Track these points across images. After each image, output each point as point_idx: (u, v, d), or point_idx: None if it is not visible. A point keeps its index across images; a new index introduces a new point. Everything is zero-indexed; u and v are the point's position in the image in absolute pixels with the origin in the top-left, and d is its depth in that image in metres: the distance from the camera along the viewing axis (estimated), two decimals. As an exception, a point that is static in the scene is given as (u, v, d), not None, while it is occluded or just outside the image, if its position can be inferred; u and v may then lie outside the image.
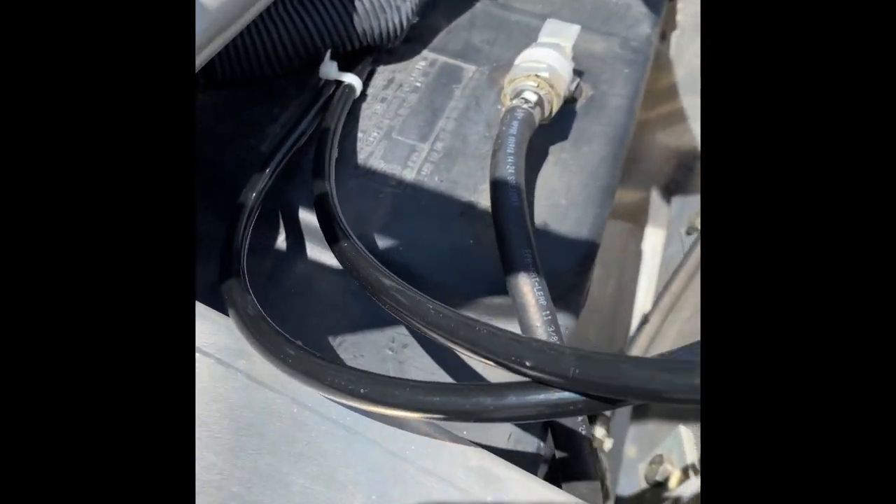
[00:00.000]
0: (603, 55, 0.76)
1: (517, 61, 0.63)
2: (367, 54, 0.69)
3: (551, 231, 0.60)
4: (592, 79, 0.73)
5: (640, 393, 0.26)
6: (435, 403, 0.30)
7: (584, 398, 0.28)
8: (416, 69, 0.71)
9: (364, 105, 0.67)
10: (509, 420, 0.31)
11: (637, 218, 1.25)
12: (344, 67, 0.67)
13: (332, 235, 0.47)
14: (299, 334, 0.40)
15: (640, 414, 0.97)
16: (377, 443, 0.37)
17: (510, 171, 0.55)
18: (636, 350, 0.98)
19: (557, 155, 0.66)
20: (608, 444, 0.90)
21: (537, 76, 0.61)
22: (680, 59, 1.07)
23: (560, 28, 0.67)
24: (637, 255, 1.24)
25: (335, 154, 0.58)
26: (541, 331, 0.51)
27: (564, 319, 0.57)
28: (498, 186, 0.55)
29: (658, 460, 0.80)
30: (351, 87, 0.64)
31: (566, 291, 0.58)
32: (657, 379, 0.26)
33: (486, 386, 0.32)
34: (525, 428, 0.51)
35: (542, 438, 0.51)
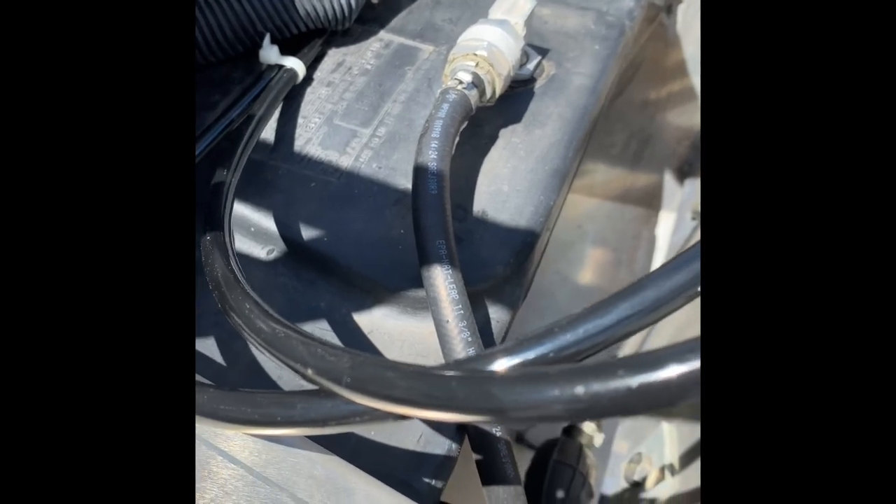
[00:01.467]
0: (574, 31, 0.72)
1: (459, 39, 0.60)
2: (316, 37, 0.67)
3: (489, 220, 0.57)
4: (558, 57, 0.69)
5: (409, 404, 0.24)
6: (223, 412, 0.28)
7: (366, 409, 0.26)
8: (370, 51, 0.68)
9: (309, 90, 0.65)
10: (302, 432, 0.29)
11: (651, 202, 1.19)
12: (292, 51, 0.65)
13: (211, 225, 0.46)
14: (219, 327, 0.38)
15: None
16: (213, 445, 0.35)
17: (432, 156, 0.52)
18: (631, 344, 0.93)
19: (508, 139, 0.62)
20: (599, 440, 0.86)
21: (475, 55, 0.58)
22: (687, 34, 1.01)
23: (513, 3, 0.63)
24: (651, 241, 1.18)
25: (253, 142, 0.56)
26: (451, 325, 0.48)
27: (498, 314, 0.54)
28: (418, 173, 0.52)
29: (637, 459, 0.76)
30: (292, 72, 0.62)
31: (501, 284, 0.55)
32: (416, 389, 0.23)
33: (280, 395, 0.29)
34: (437, 429, 0.49)
35: (456, 440, 0.49)
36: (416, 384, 0.23)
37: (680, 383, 0.21)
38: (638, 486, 0.75)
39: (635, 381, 0.22)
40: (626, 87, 1.02)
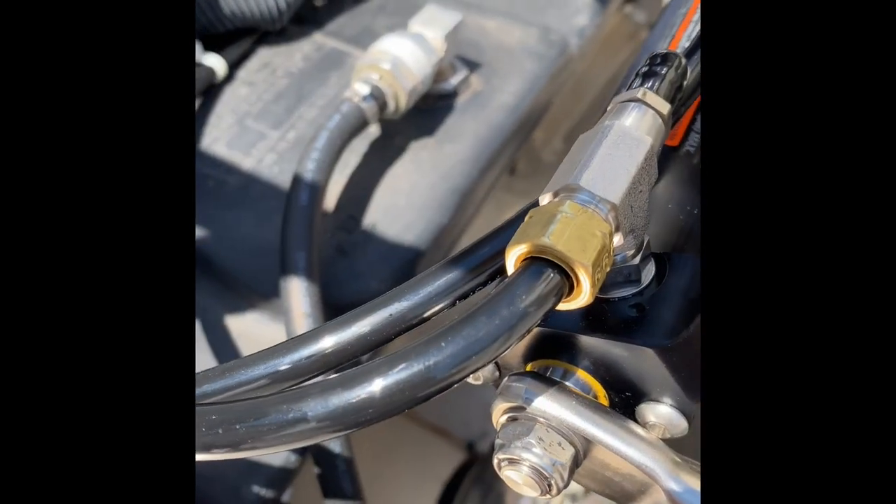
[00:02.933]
0: (513, 47, 0.70)
1: (368, 49, 0.60)
2: (246, 36, 0.67)
3: (377, 234, 0.57)
4: (488, 72, 0.68)
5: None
6: None
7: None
8: (300, 53, 0.68)
9: (229, 88, 0.65)
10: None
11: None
12: (220, 49, 0.65)
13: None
14: None
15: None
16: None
17: (310, 167, 0.52)
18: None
19: (416, 152, 0.62)
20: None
21: (379, 68, 0.57)
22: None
23: (436, 16, 0.63)
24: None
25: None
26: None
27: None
28: (293, 183, 0.52)
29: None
30: (209, 70, 0.63)
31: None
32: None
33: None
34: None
35: (297, 451, 0.49)
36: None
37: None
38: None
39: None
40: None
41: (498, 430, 0.27)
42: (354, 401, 0.22)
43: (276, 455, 0.48)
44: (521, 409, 0.26)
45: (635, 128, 0.25)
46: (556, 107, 0.72)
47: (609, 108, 0.27)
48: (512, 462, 0.26)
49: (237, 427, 0.22)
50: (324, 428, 0.22)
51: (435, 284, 0.27)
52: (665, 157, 0.32)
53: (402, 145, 0.62)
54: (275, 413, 0.22)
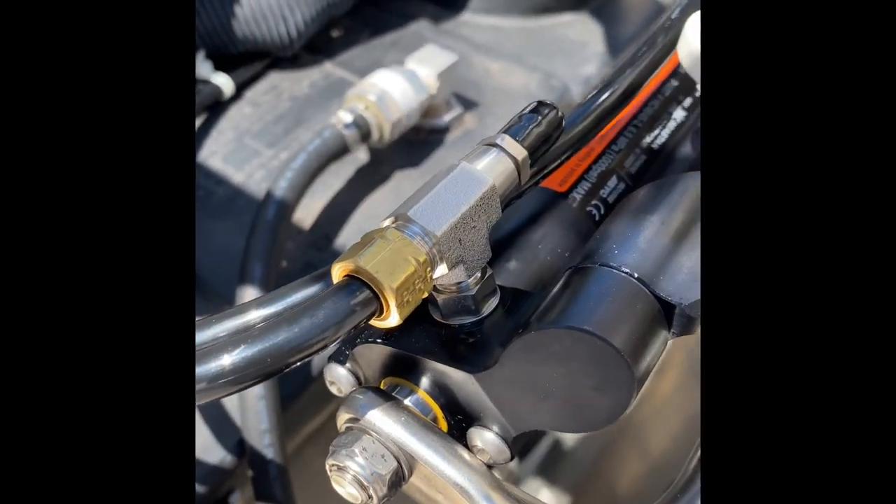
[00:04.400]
0: (512, 90, 0.73)
1: (360, 81, 0.63)
2: (257, 59, 0.71)
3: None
4: (483, 112, 0.70)
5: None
6: None
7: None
8: (307, 80, 0.72)
9: (235, 106, 0.69)
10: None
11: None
12: (231, 69, 0.70)
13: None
14: None
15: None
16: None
17: (282, 185, 0.55)
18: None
19: (399, 182, 0.64)
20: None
21: (366, 99, 0.60)
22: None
23: (433, 55, 0.65)
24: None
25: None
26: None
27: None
28: (265, 198, 0.55)
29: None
30: (216, 88, 0.67)
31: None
32: None
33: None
34: (217, 438, 0.51)
35: (234, 453, 0.51)
36: None
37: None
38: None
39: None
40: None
41: (336, 438, 0.29)
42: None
43: (211, 455, 0.51)
44: (356, 420, 0.28)
45: (482, 169, 0.27)
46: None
47: (472, 150, 0.29)
48: (339, 469, 0.27)
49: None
50: None
51: (296, 295, 0.29)
52: (550, 201, 0.34)
53: (386, 174, 0.65)
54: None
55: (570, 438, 0.91)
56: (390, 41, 0.78)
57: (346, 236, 0.61)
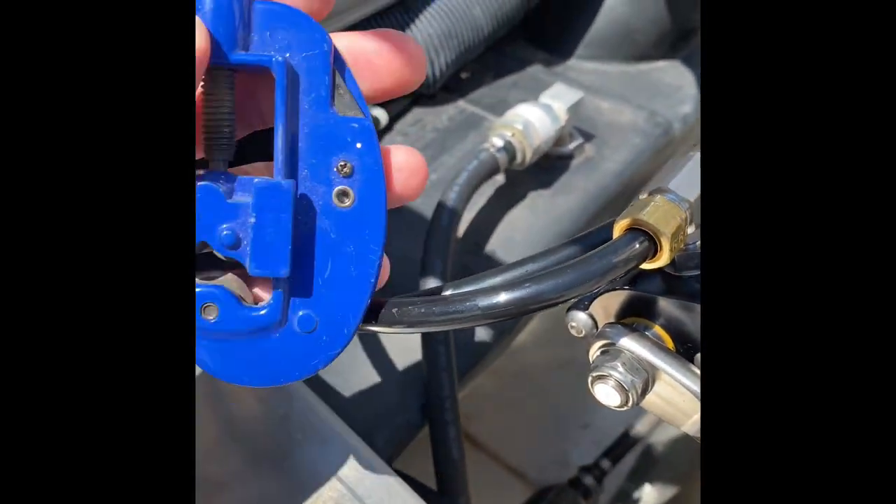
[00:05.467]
0: (623, 125, 0.83)
1: (507, 112, 0.74)
2: (405, 97, 0.83)
3: (495, 259, 0.69)
4: (600, 143, 0.81)
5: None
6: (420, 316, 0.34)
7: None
8: (446, 114, 0.84)
9: (387, 136, 0.80)
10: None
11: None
12: (383, 103, 0.81)
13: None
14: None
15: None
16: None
17: (452, 196, 0.66)
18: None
19: (534, 200, 0.75)
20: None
21: (512, 127, 0.71)
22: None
23: (562, 92, 0.76)
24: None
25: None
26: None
27: (487, 334, 0.66)
28: (437, 207, 0.65)
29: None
30: (376, 118, 0.78)
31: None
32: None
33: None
34: (404, 403, 0.61)
35: (418, 415, 0.60)
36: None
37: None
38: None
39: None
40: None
41: (592, 360, 0.38)
42: (486, 303, 0.33)
43: (398, 417, 0.60)
44: (611, 345, 0.38)
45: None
46: (655, 179, 0.83)
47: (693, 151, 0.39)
48: (601, 378, 0.37)
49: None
50: (471, 317, 0.33)
51: (560, 253, 0.39)
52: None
53: (522, 193, 0.75)
54: (442, 304, 0.34)
55: (662, 444, 0.99)
56: (511, 82, 0.89)
57: (493, 244, 0.71)
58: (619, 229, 0.35)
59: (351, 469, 0.44)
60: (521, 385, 1.23)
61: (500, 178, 0.76)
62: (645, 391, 0.37)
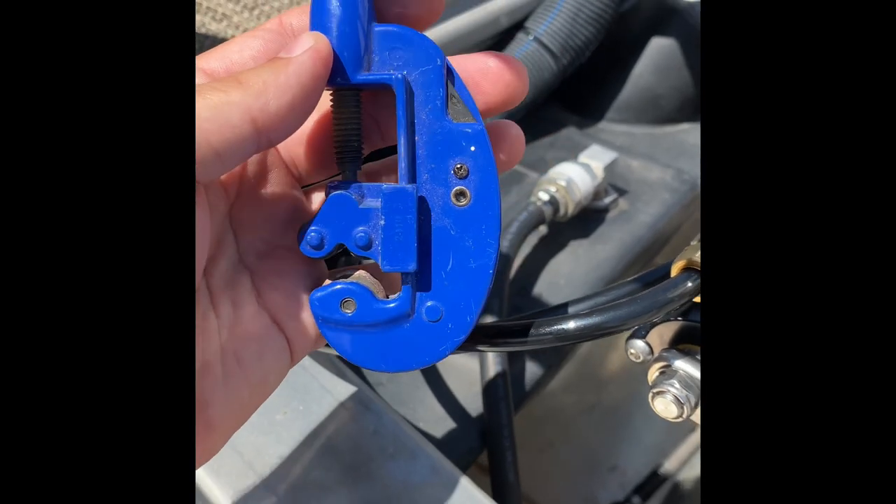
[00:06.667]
0: (652, 181, 0.91)
1: (550, 170, 0.82)
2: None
3: (541, 300, 0.77)
4: (633, 198, 0.89)
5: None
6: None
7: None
8: (491, 170, 0.92)
9: (439, 189, 0.89)
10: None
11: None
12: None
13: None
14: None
15: None
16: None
17: (504, 244, 0.73)
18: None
19: (574, 248, 0.82)
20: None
21: (556, 183, 0.79)
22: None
23: (599, 152, 0.85)
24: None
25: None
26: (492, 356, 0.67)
27: (533, 368, 0.73)
28: (492, 254, 0.73)
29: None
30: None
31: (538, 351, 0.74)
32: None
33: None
34: (465, 431, 0.67)
35: (478, 441, 0.67)
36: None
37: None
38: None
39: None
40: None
41: (651, 380, 0.45)
42: (557, 328, 0.40)
43: (460, 444, 0.66)
44: (668, 366, 0.45)
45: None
46: (683, 229, 0.91)
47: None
48: (661, 393, 0.44)
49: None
50: (544, 340, 0.41)
51: (623, 290, 0.47)
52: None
53: (563, 242, 0.83)
54: (531, 328, 0.42)
55: (691, 481, 1.05)
56: (548, 142, 0.98)
57: (539, 287, 0.78)
58: (676, 269, 0.42)
59: (438, 482, 0.51)
60: (549, 428, 1.28)
61: (542, 229, 0.84)
62: (697, 405, 0.44)
